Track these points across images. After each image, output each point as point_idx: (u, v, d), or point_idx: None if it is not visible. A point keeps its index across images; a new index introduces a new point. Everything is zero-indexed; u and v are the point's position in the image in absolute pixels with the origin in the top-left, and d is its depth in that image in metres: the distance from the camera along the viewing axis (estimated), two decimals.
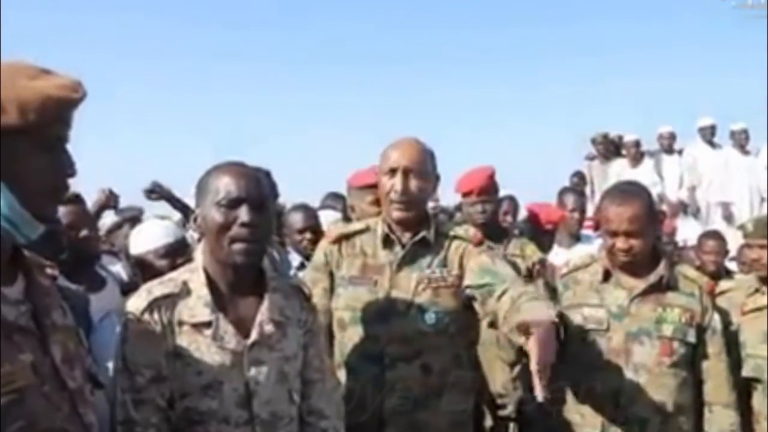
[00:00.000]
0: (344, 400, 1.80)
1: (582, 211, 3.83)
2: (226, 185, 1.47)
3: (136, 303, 1.46)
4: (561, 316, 2.20)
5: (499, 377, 2.88)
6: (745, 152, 6.94)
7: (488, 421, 2.99)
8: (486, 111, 13.33)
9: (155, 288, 1.49)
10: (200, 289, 1.49)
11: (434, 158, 2.08)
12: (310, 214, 3.15)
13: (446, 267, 2.03)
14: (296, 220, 3.08)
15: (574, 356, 2.18)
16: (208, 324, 1.47)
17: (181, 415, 1.44)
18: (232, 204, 1.46)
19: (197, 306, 1.48)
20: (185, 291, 1.49)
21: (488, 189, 3.15)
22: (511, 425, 2.93)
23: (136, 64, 13.43)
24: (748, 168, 6.85)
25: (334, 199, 3.90)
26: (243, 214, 1.46)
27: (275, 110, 14.01)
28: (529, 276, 2.97)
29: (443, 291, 2.01)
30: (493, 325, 2.12)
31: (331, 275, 2.07)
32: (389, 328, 1.96)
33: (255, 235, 1.47)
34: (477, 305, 2.03)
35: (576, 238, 3.76)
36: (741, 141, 6.92)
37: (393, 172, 1.99)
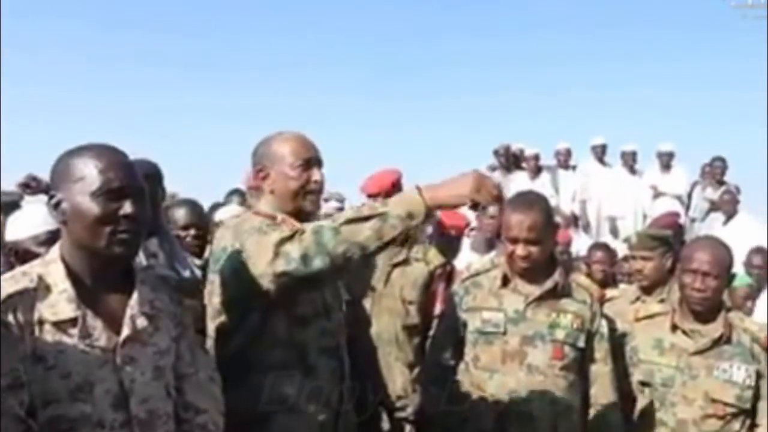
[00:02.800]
0: None
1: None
2: (103, 173, 1.35)
3: None
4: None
5: (398, 379, 2.89)
6: (633, 172, 7.44)
7: (386, 424, 2.99)
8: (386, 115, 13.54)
9: (6, 284, 1.33)
10: (61, 284, 1.35)
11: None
12: (195, 210, 3.00)
13: None
14: (180, 216, 2.92)
15: (472, 357, 2.23)
16: (73, 321, 1.34)
17: (46, 425, 1.29)
18: (112, 195, 1.35)
19: (59, 302, 1.34)
20: (43, 286, 1.35)
21: (393, 192, 3.15)
22: (408, 427, 2.95)
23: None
24: (634, 187, 7.35)
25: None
26: (126, 206, 1.36)
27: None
28: (431, 279, 3.02)
29: None
30: None
31: None
32: None
33: (137, 227, 1.39)
34: None
35: (491, 245, 3.86)
36: (629, 162, 7.41)
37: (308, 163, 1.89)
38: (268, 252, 1.63)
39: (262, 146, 1.92)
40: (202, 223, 2.96)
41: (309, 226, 1.63)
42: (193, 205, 3.01)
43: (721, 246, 2.29)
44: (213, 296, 1.82)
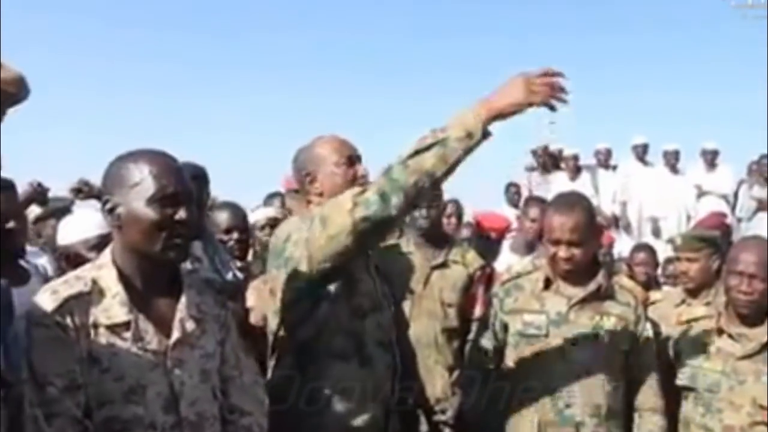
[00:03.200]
0: None
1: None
2: (158, 179, 1.38)
3: (42, 305, 1.33)
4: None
5: (438, 382, 2.88)
6: (675, 171, 7.27)
7: (424, 427, 2.98)
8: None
9: (61, 287, 1.36)
10: (113, 288, 1.39)
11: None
12: (237, 213, 3.02)
13: None
14: (222, 219, 2.95)
15: (514, 360, 2.22)
16: (126, 324, 1.37)
17: (101, 426, 1.33)
18: (167, 201, 1.38)
19: (113, 306, 1.37)
20: (97, 290, 1.37)
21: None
22: (447, 431, 2.93)
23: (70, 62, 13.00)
24: (677, 187, 7.18)
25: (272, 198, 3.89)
26: (181, 212, 1.39)
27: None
28: (470, 282, 3.00)
29: None
30: None
31: None
32: None
33: (190, 232, 1.43)
34: None
35: (531, 247, 3.82)
36: (671, 161, 7.24)
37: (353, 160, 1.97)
38: (346, 204, 1.68)
39: (304, 152, 1.99)
40: (245, 226, 3.00)
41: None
42: (235, 209, 3.05)
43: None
44: (278, 290, 1.86)
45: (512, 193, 6.76)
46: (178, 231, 1.39)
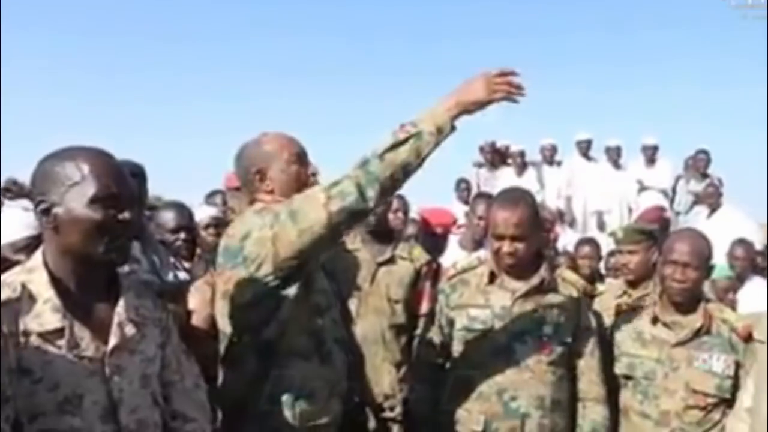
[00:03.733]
0: None
1: None
2: (99, 179, 1.32)
3: None
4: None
5: (385, 378, 2.88)
6: (617, 166, 7.47)
7: (372, 423, 2.97)
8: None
9: None
10: (45, 293, 1.31)
11: None
12: (183, 213, 2.94)
13: None
14: (169, 218, 2.87)
15: (460, 355, 2.22)
16: (60, 331, 1.30)
17: None
18: (109, 201, 1.33)
19: (45, 312, 1.29)
20: (27, 295, 1.30)
21: None
22: (396, 427, 2.93)
23: None
24: (619, 181, 7.37)
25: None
26: (123, 212, 1.34)
27: None
28: (417, 278, 3.00)
29: None
30: None
31: None
32: None
33: (132, 233, 1.38)
34: None
35: (479, 243, 3.85)
36: (614, 156, 7.44)
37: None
38: (319, 198, 1.69)
39: (251, 149, 1.95)
40: (192, 226, 2.92)
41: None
42: (181, 208, 2.97)
43: (701, 237, 2.31)
44: (232, 290, 1.81)
45: (462, 189, 6.81)
46: (121, 232, 1.34)
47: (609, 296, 3.04)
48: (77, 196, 1.32)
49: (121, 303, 1.40)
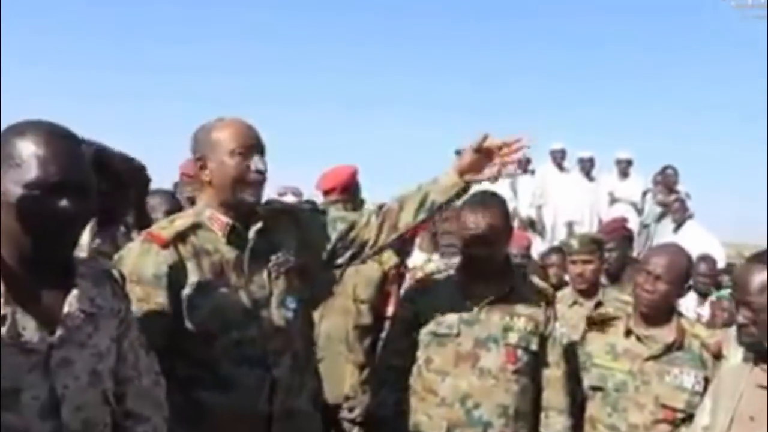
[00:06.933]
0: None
1: None
2: (43, 165, 1.22)
3: None
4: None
5: (348, 379, 2.83)
6: (590, 178, 7.54)
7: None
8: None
9: None
10: None
11: None
12: (172, 198, 2.95)
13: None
14: (157, 202, 2.81)
15: (424, 360, 2.19)
16: (1, 319, 1.20)
17: None
18: (49, 189, 1.22)
19: None
20: None
21: (350, 187, 3.11)
22: (356, 429, 2.89)
23: None
24: (591, 192, 7.45)
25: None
26: (63, 202, 1.23)
27: None
28: (385, 279, 2.97)
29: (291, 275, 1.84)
30: None
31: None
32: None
33: (75, 225, 1.28)
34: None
35: (437, 245, 3.83)
36: (586, 167, 7.51)
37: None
38: None
39: (200, 133, 1.81)
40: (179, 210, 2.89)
41: None
42: (166, 194, 2.98)
43: (681, 254, 2.32)
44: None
45: None
46: (58, 222, 1.24)
47: (562, 306, 3.05)
48: (15, 178, 1.22)
49: (74, 292, 1.30)
